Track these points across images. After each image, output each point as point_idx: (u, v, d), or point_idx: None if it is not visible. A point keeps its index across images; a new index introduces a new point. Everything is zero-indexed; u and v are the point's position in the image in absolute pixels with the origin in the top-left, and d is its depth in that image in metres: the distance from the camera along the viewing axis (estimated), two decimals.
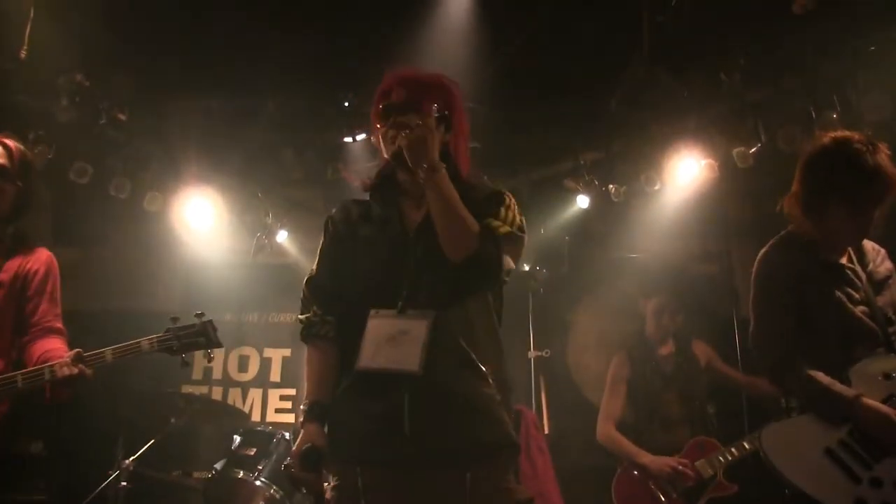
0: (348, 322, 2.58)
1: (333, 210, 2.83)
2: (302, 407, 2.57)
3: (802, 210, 3.28)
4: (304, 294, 2.73)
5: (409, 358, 2.40)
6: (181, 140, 6.79)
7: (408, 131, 2.47)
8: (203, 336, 3.38)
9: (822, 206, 3.21)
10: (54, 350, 3.32)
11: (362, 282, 2.60)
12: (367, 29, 5.77)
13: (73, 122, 6.02)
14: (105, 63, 5.82)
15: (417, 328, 2.44)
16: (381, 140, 2.70)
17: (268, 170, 7.34)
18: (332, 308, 2.65)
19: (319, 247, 2.78)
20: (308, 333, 2.66)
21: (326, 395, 2.56)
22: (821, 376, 3.05)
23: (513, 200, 2.68)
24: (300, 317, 2.70)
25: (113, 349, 3.28)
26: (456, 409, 2.43)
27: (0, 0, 5.21)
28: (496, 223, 2.55)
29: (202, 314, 3.41)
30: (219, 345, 3.43)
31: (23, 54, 5.31)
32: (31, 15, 5.28)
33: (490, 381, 2.50)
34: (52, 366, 3.19)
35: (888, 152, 3.18)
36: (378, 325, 2.47)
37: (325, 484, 2.52)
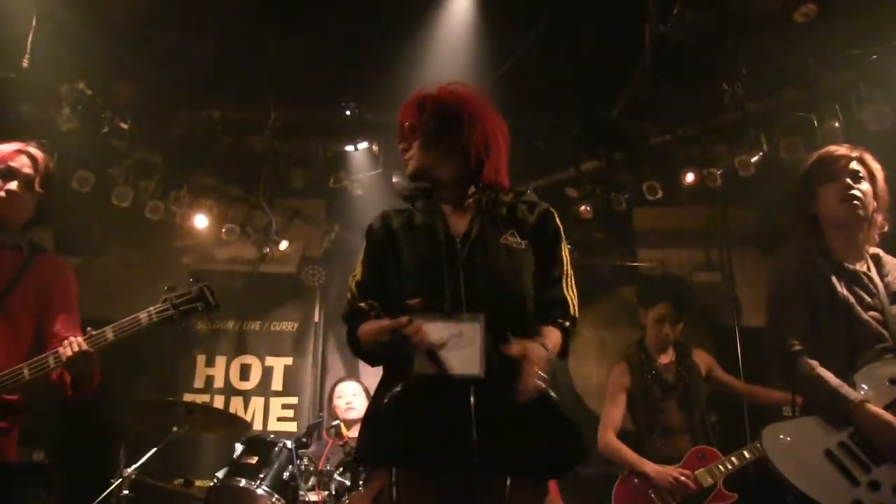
0: None
1: (373, 220, 2.83)
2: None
3: (806, 221, 3.39)
4: (351, 295, 2.71)
5: (467, 362, 2.38)
6: (183, 149, 6.80)
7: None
8: (201, 300, 3.36)
9: (813, 202, 3.35)
10: None
11: (407, 287, 2.56)
12: (369, 38, 5.78)
13: (76, 131, 6.03)
14: (107, 72, 5.83)
15: (471, 331, 2.41)
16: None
17: (270, 179, 7.35)
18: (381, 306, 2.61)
19: (361, 255, 2.78)
20: (361, 318, 2.61)
21: None
22: (829, 376, 3.08)
23: (558, 220, 2.79)
24: (346, 312, 2.70)
25: (113, 326, 3.26)
26: (520, 422, 2.42)
27: (2, 9, 5.23)
28: (570, 300, 2.65)
29: (197, 279, 3.39)
30: (217, 307, 3.38)
31: (25, 63, 5.33)
32: (34, 24, 5.30)
33: (552, 393, 2.50)
34: (55, 351, 3.20)
35: (876, 165, 3.33)
36: (428, 330, 2.39)
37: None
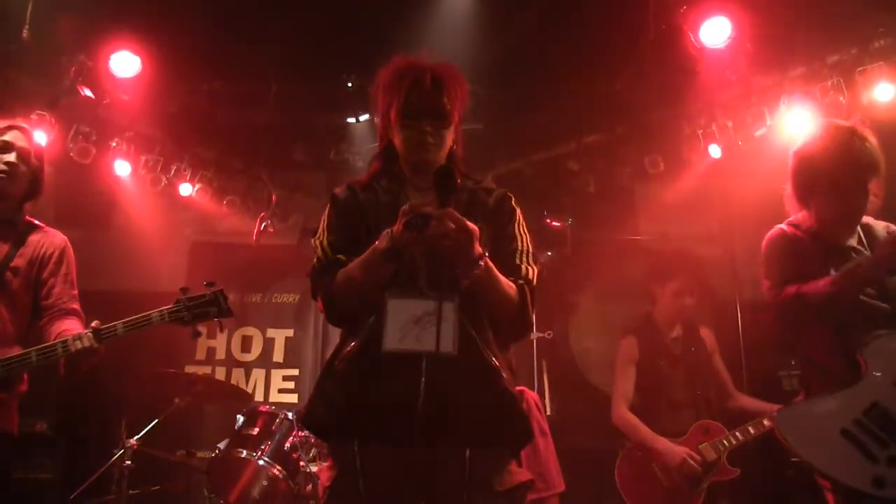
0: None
1: (337, 189, 2.78)
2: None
3: (798, 204, 3.41)
4: (322, 252, 2.66)
5: (442, 339, 2.37)
6: (184, 122, 6.78)
7: (443, 232, 2.31)
8: (214, 306, 3.39)
9: (810, 197, 3.34)
10: (70, 330, 3.34)
11: None
12: (370, 9, 5.74)
13: (76, 103, 6.01)
14: (108, 44, 5.80)
15: (445, 310, 2.40)
16: (395, 132, 2.68)
17: (271, 152, 7.34)
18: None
19: (325, 220, 2.73)
20: (336, 266, 2.57)
21: None
22: (835, 275, 3.11)
23: (518, 206, 2.75)
24: (318, 264, 2.64)
25: (124, 322, 3.29)
26: (475, 391, 2.44)
27: None
28: (528, 270, 2.64)
29: (212, 283, 3.41)
30: (230, 314, 3.42)
31: (25, 34, 5.30)
32: None
33: (504, 364, 2.53)
34: (64, 341, 3.22)
35: (873, 140, 3.28)
36: (401, 307, 2.42)
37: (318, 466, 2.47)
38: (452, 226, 2.30)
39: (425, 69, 2.64)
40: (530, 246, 2.73)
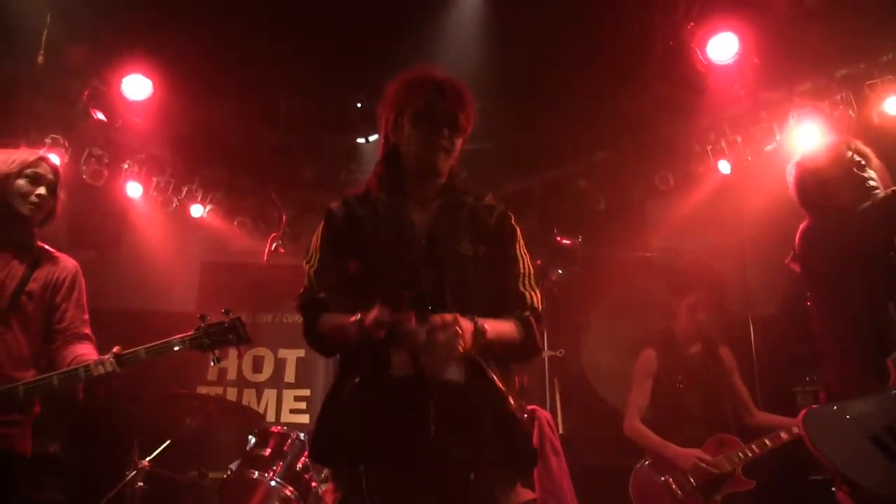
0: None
1: (333, 204, 2.77)
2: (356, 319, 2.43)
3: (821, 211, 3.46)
4: (310, 283, 2.67)
5: (448, 365, 2.41)
6: (195, 144, 6.82)
7: (439, 331, 2.34)
8: (233, 333, 3.40)
9: (828, 196, 3.41)
10: (86, 354, 3.40)
11: (376, 285, 2.52)
12: (379, 29, 5.78)
13: (89, 126, 6.05)
14: (120, 68, 5.85)
15: None
16: (407, 134, 2.66)
17: (281, 172, 7.37)
18: (339, 297, 2.61)
19: (318, 240, 2.73)
20: (324, 307, 2.60)
21: None
22: None
23: (517, 225, 2.77)
24: (303, 301, 2.67)
25: (146, 348, 3.33)
26: (482, 418, 2.45)
27: (17, 6, 5.26)
28: (532, 297, 2.66)
29: (229, 311, 3.42)
30: (249, 341, 3.44)
31: (40, 59, 5.36)
32: (48, 20, 5.33)
33: (509, 387, 2.55)
34: (87, 365, 3.26)
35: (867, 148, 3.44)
36: (410, 332, 2.38)
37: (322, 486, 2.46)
38: (442, 337, 2.31)
39: (444, 80, 2.66)
40: (531, 267, 2.74)
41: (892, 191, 3.22)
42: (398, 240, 2.60)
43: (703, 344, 5.34)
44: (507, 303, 2.64)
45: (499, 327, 2.50)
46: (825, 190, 3.42)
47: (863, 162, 3.38)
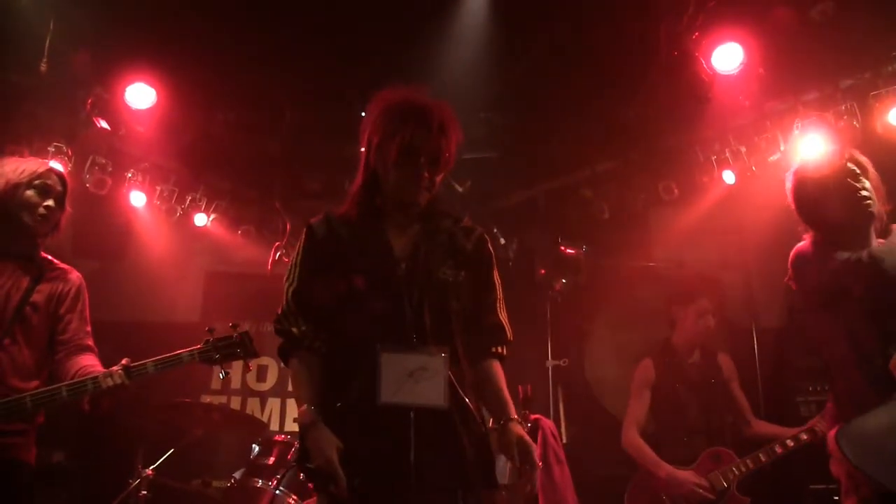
0: (344, 348, 2.58)
1: (313, 220, 2.80)
2: (308, 408, 2.51)
3: (817, 225, 3.46)
4: (287, 306, 2.67)
5: (433, 393, 2.47)
6: (199, 152, 6.82)
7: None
8: (241, 347, 3.44)
9: (824, 209, 3.40)
10: (91, 366, 3.41)
11: (358, 312, 2.57)
12: (384, 38, 5.78)
13: (92, 135, 6.06)
14: (124, 76, 5.86)
15: (435, 364, 2.49)
16: (388, 168, 2.67)
17: (285, 181, 7.37)
18: (319, 324, 2.62)
19: (299, 257, 2.73)
20: (297, 346, 2.62)
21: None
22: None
23: (491, 245, 2.84)
24: (280, 328, 2.66)
25: (154, 361, 3.35)
26: (461, 446, 2.52)
27: (20, 14, 5.27)
28: (505, 322, 2.78)
29: (237, 325, 3.46)
30: (256, 355, 3.50)
31: (43, 67, 5.37)
32: (51, 28, 5.33)
33: (479, 418, 2.62)
34: (95, 377, 3.28)
35: (865, 158, 3.44)
36: (394, 360, 2.47)
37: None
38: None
39: (431, 111, 2.63)
40: (500, 292, 2.81)
41: (870, 255, 3.22)
42: (378, 265, 2.61)
43: (702, 353, 5.32)
44: (486, 332, 2.74)
45: (510, 401, 2.66)
46: (818, 200, 3.42)
47: (858, 172, 3.37)
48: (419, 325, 2.52)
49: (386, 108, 2.70)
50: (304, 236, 2.78)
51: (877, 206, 3.34)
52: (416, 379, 2.46)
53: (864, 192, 3.32)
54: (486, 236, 2.83)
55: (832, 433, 3.18)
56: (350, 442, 2.45)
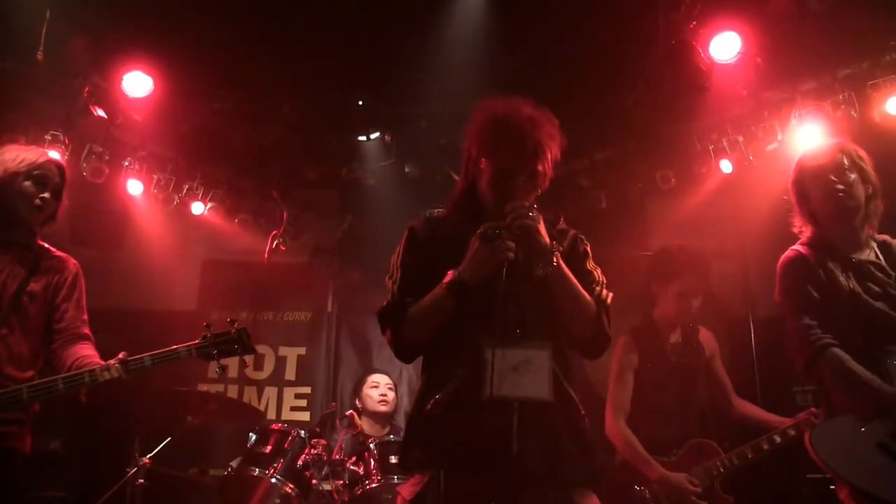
0: (447, 343, 2.66)
1: (416, 222, 2.87)
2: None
3: (807, 219, 3.52)
4: (394, 298, 2.75)
5: (537, 386, 2.53)
6: (196, 141, 6.81)
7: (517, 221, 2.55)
8: (239, 343, 3.45)
9: (808, 201, 3.48)
10: (88, 356, 3.41)
11: (461, 307, 2.62)
12: (381, 28, 5.77)
13: (89, 123, 6.04)
14: (120, 64, 5.84)
15: (539, 357, 2.56)
16: (486, 181, 2.76)
17: (282, 170, 7.36)
18: None
19: (401, 256, 2.81)
20: (406, 307, 2.70)
21: None
22: (862, 370, 3.12)
23: (587, 244, 2.96)
24: (386, 311, 2.75)
25: (152, 355, 3.36)
26: (561, 438, 2.58)
27: (17, 2, 5.26)
28: (602, 292, 2.85)
29: (234, 320, 3.47)
30: (253, 351, 3.50)
31: (40, 56, 5.35)
32: (48, 16, 5.32)
33: (583, 411, 2.68)
34: (92, 370, 3.27)
35: (860, 153, 3.48)
36: (498, 355, 2.50)
37: None
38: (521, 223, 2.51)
39: (529, 133, 2.72)
40: (604, 278, 2.91)
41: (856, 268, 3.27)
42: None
43: (683, 333, 5.03)
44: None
45: (571, 275, 2.68)
46: (804, 194, 3.50)
47: (845, 165, 3.40)
48: (522, 320, 2.60)
49: (487, 122, 2.79)
50: (405, 237, 2.86)
51: (858, 201, 3.35)
52: (520, 372, 2.52)
53: (839, 186, 3.35)
54: (582, 236, 2.94)
55: (807, 435, 3.22)
56: (453, 434, 2.54)
